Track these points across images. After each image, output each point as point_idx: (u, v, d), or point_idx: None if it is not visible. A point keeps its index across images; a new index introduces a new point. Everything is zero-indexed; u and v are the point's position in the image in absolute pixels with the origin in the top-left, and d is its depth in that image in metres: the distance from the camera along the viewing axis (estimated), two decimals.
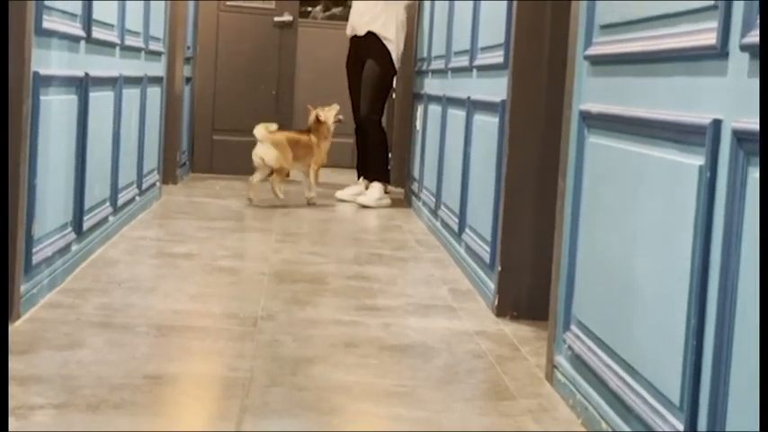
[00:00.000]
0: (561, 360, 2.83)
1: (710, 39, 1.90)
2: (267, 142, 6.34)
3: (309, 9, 10.35)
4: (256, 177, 6.41)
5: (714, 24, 1.89)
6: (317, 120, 6.64)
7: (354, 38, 7.01)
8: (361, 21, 6.93)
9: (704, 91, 1.97)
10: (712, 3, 1.91)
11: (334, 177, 8.24)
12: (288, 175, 6.67)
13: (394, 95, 7.80)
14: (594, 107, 2.67)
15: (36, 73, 3.22)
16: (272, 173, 6.39)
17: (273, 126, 6.48)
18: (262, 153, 6.32)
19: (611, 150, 2.52)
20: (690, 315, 1.95)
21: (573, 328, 2.77)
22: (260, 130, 6.34)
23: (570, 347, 2.75)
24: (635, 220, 2.32)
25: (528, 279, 3.70)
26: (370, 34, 6.85)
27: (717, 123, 1.88)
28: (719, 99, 1.88)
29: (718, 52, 1.88)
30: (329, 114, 6.70)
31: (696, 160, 1.95)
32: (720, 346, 1.82)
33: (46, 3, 3.31)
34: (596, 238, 2.63)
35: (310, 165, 6.55)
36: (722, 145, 1.86)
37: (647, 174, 2.25)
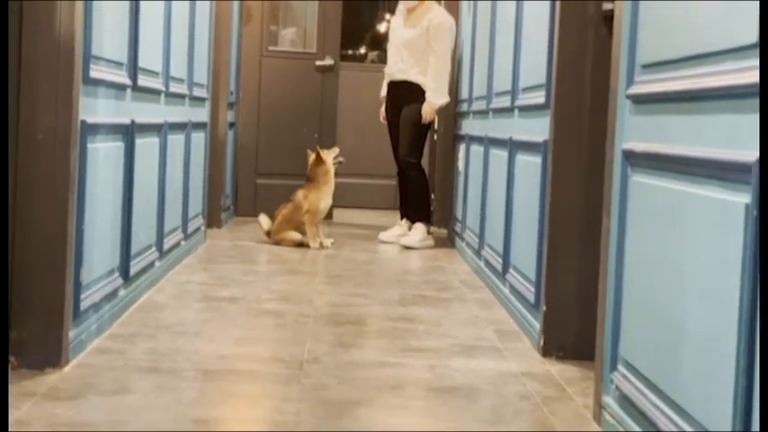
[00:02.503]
0: (609, 400, 2.81)
1: (754, 77, 1.90)
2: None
3: (350, 52, 10.43)
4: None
5: (757, 62, 1.89)
6: (318, 159, 6.65)
7: (392, 82, 7.04)
8: (395, 67, 6.97)
9: (749, 129, 1.96)
10: (755, 41, 1.91)
11: (377, 219, 8.26)
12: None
13: (435, 137, 7.82)
14: (638, 146, 2.67)
15: (83, 121, 3.27)
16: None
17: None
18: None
19: (656, 189, 2.52)
20: (739, 354, 1.94)
21: (620, 367, 2.75)
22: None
23: (618, 388, 2.73)
24: (681, 258, 2.30)
25: (573, 318, 3.68)
26: (406, 80, 6.89)
27: None
28: None
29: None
30: (329, 156, 6.70)
31: (742, 198, 1.95)
32: None
33: (93, 52, 3.37)
34: (642, 277, 2.62)
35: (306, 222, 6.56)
36: None
37: (693, 212, 2.24)
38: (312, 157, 6.67)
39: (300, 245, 6.50)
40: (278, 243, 6.52)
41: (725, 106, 2.10)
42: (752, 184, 1.90)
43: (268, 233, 6.61)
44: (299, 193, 6.61)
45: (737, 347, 1.94)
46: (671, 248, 2.38)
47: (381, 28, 10.76)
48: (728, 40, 2.08)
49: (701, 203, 2.20)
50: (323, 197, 6.59)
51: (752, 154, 1.90)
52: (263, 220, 6.70)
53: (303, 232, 6.55)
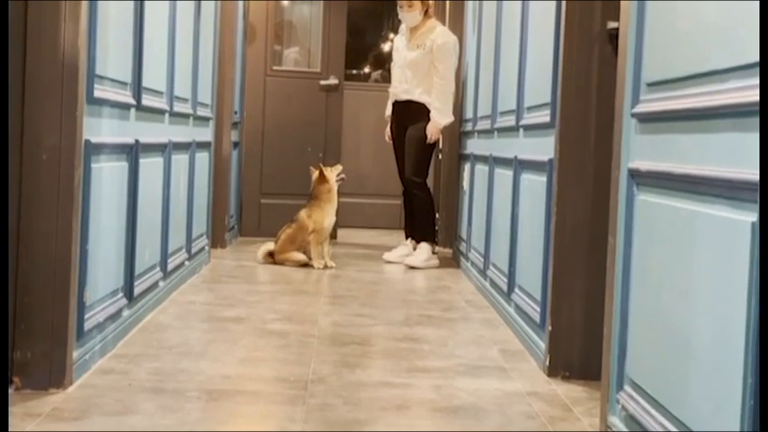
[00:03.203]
0: (615, 421, 2.79)
1: (758, 95, 1.89)
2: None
3: (354, 72, 10.45)
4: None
5: None
6: (321, 177, 6.65)
7: (397, 102, 7.05)
8: (399, 88, 6.98)
9: (754, 147, 1.95)
10: (758, 59, 1.90)
11: (382, 239, 8.26)
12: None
13: (440, 156, 7.83)
14: (643, 165, 2.66)
15: (87, 141, 3.27)
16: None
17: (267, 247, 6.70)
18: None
19: (662, 208, 2.51)
20: (746, 373, 1.92)
21: (626, 387, 2.73)
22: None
23: (624, 408, 2.71)
24: (688, 277, 2.29)
25: (579, 338, 3.67)
26: (411, 99, 6.91)
27: None
28: None
29: None
30: (332, 174, 6.71)
31: (749, 217, 1.94)
32: None
33: (97, 72, 3.37)
34: (648, 297, 2.60)
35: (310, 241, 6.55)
36: None
37: (699, 231, 2.23)
38: (315, 174, 6.67)
39: (304, 265, 6.49)
40: (281, 263, 6.52)
41: (730, 125, 2.09)
42: (759, 202, 1.89)
43: (271, 254, 6.60)
44: (303, 213, 6.61)
45: (744, 366, 1.93)
46: (677, 267, 2.37)
47: (385, 47, 10.78)
48: (733, 59, 2.08)
49: (707, 222, 2.19)
50: (327, 215, 6.59)
51: (758, 172, 1.89)
52: (265, 248, 6.69)
53: (307, 252, 6.54)
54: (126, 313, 3.99)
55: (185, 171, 5.35)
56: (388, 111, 7.18)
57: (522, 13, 4.68)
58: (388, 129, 7.20)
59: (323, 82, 8.40)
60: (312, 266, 6.47)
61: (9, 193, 3.01)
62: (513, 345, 4.26)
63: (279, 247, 6.58)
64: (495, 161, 5.41)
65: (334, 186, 6.67)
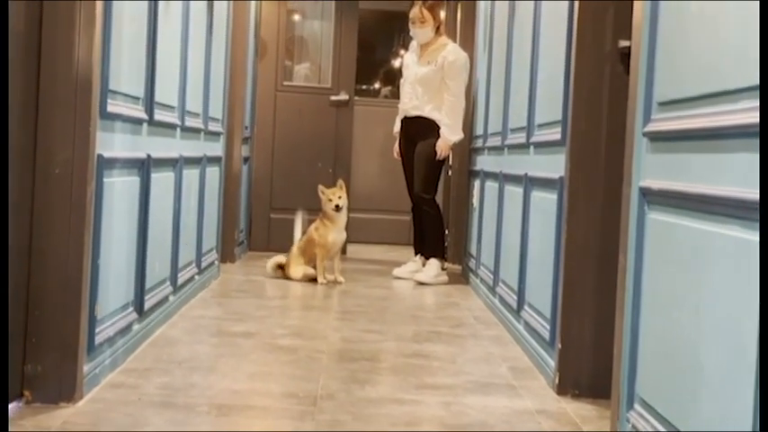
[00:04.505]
0: None
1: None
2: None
3: (364, 87, 10.48)
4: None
5: None
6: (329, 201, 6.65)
7: (406, 118, 7.06)
8: (410, 104, 6.99)
9: None
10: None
11: (391, 254, 8.26)
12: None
13: (450, 172, 7.83)
14: (655, 183, 2.66)
15: (100, 156, 3.28)
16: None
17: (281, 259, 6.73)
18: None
19: (673, 227, 2.51)
20: (757, 394, 1.92)
21: (636, 406, 2.73)
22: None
23: (634, 427, 2.71)
24: (699, 296, 2.29)
25: (589, 356, 3.66)
26: (421, 116, 6.92)
27: None
28: None
29: None
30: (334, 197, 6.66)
31: None
32: None
33: (110, 87, 3.39)
34: (659, 315, 2.60)
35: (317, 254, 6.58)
36: None
37: (711, 251, 2.23)
38: (324, 197, 6.62)
39: (313, 280, 6.50)
40: (290, 277, 6.52)
41: (742, 145, 2.09)
42: None
43: (281, 267, 6.61)
44: (312, 226, 6.64)
45: (756, 386, 1.93)
46: (688, 286, 2.37)
47: (396, 64, 10.80)
48: (744, 79, 2.08)
49: (718, 242, 2.19)
50: (330, 232, 6.57)
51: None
52: (275, 260, 6.70)
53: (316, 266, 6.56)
54: (136, 327, 4.00)
55: (196, 186, 5.36)
56: (397, 127, 7.20)
57: (534, 30, 4.69)
58: (396, 145, 7.22)
59: (333, 97, 8.42)
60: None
61: (21, 207, 3.03)
62: (523, 362, 4.25)
63: (290, 260, 6.60)
64: (505, 178, 5.41)
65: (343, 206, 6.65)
